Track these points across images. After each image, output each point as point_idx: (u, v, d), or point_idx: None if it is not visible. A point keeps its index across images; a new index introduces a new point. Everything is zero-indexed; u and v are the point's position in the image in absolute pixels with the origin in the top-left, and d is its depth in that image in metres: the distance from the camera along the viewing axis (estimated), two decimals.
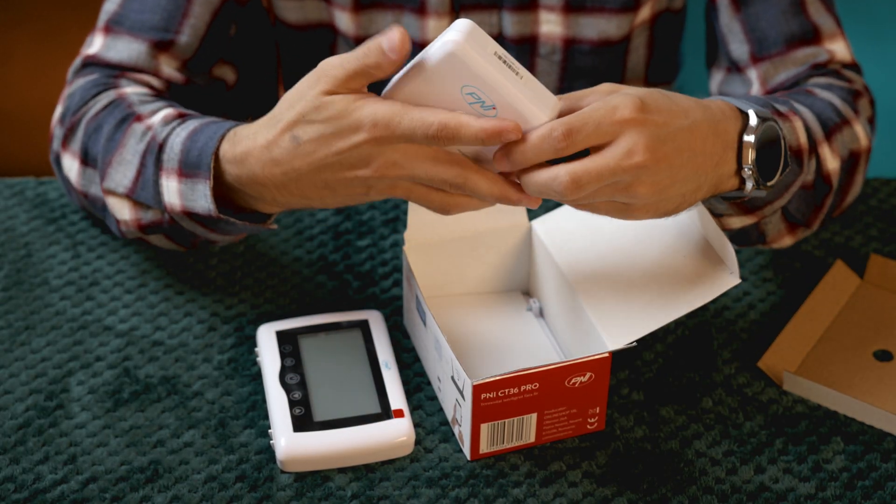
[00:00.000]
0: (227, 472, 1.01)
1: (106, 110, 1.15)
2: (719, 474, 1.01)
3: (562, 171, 0.92)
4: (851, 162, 1.16)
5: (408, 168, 0.95)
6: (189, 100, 1.24)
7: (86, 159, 1.15)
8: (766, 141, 0.99)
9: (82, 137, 1.16)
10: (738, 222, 1.09)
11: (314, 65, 1.36)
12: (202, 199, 1.05)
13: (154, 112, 1.13)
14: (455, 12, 1.28)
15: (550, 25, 1.29)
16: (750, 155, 0.98)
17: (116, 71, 1.21)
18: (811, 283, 1.18)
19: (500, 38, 1.30)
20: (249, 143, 1.01)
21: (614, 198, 0.94)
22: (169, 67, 1.21)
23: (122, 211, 1.12)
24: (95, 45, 1.22)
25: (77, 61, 1.23)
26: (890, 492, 1.00)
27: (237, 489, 1.00)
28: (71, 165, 1.17)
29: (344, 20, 1.30)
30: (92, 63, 1.22)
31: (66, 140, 1.17)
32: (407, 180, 0.97)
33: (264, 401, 1.06)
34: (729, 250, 1.02)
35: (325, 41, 1.33)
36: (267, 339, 1.09)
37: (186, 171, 1.06)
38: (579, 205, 0.97)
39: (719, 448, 1.03)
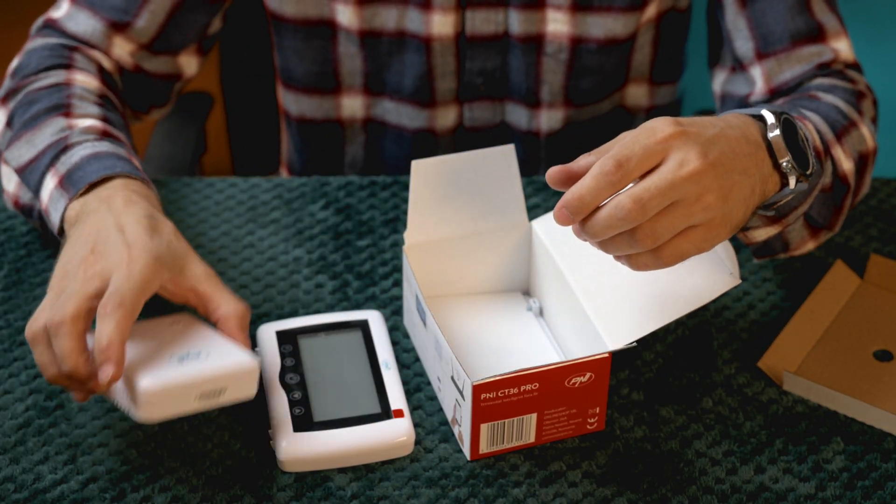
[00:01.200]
0: (227, 473, 1.01)
1: (47, 90, 1.19)
2: (719, 474, 1.01)
3: (622, 197, 0.92)
4: (861, 164, 1.16)
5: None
6: (135, 86, 1.28)
7: (10, 123, 1.20)
8: (788, 134, 1.00)
9: (16, 103, 1.20)
10: (763, 234, 1.08)
11: (312, 61, 1.36)
12: (56, 213, 1.10)
13: (85, 116, 1.17)
14: (461, 8, 1.28)
15: (557, 24, 1.29)
16: (783, 147, 0.98)
17: (73, 42, 1.25)
18: (811, 283, 1.18)
19: (505, 35, 1.30)
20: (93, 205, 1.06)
21: (691, 220, 0.93)
22: (121, 49, 1.25)
23: (10, 183, 1.18)
24: (61, 10, 1.27)
25: (40, 20, 1.28)
26: (890, 492, 1.00)
27: (237, 489, 1.00)
28: None
29: (347, 14, 1.30)
30: (52, 27, 1.27)
31: (7, 97, 1.22)
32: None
33: (264, 401, 1.06)
34: (729, 251, 1.02)
35: (325, 36, 1.33)
36: (267, 339, 1.09)
37: (65, 183, 1.10)
38: (667, 254, 0.94)
39: (719, 448, 1.03)
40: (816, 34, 1.23)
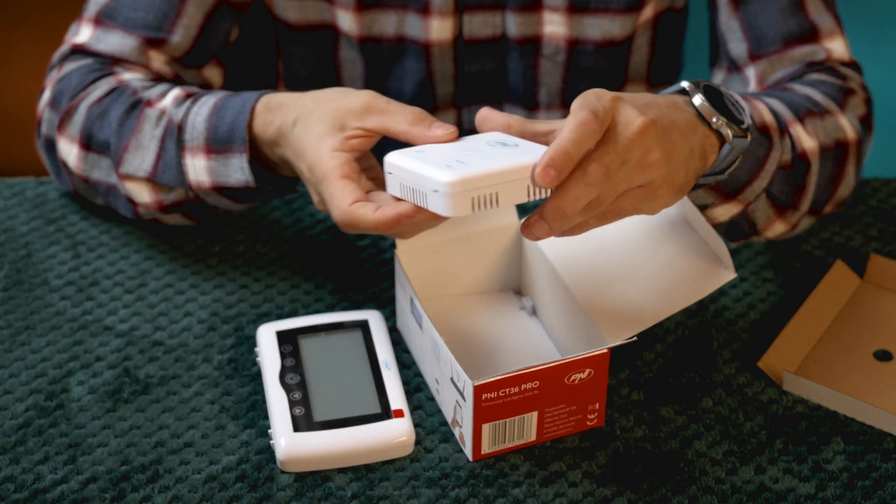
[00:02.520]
0: (227, 472, 1.01)
1: (110, 97, 1.17)
2: (719, 474, 1.01)
3: (586, 164, 0.92)
4: (840, 152, 1.16)
5: None
6: None
7: (88, 144, 1.17)
8: (714, 99, 1.02)
9: (84, 122, 1.17)
10: (724, 212, 1.10)
11: (315, 66, 1.36)
12: (237, 172, 1.09)
13: (162, 95, 1.16)
14: (459, 12, 1.28)
15: (554, 26, 1.29)
16: (709, 108, 1.00)
17: (109, 59, 1.22)
18: (811, 283, 1.18)
19: (503, 38, 1.30)
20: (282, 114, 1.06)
21: (633, 181, 0.94)
22: (158, 62, 1.23)
23: (142, 194, 1.15)
24: (84, 34, 1.24)
25: (64, 48, 1.24)
26: (890, 492, 1.00)
27: (237, 489, 1.00)
28: (69, 150, 1.18)
29: (347, 20, 1.30)
30: (80, 51, 1.23)
31: (63, 123, 1.19)
32: None
33: (264, 401, 1.06)
34: (721, 245, 1.02)
35: (327, 42, 1.33)
36: (267, 339, 1.09)
37: (216, 147, 1.09)
38: (609, 210, 0.95)
39: (719, 448, 1.04)
40: (809, 35, 1.23)
